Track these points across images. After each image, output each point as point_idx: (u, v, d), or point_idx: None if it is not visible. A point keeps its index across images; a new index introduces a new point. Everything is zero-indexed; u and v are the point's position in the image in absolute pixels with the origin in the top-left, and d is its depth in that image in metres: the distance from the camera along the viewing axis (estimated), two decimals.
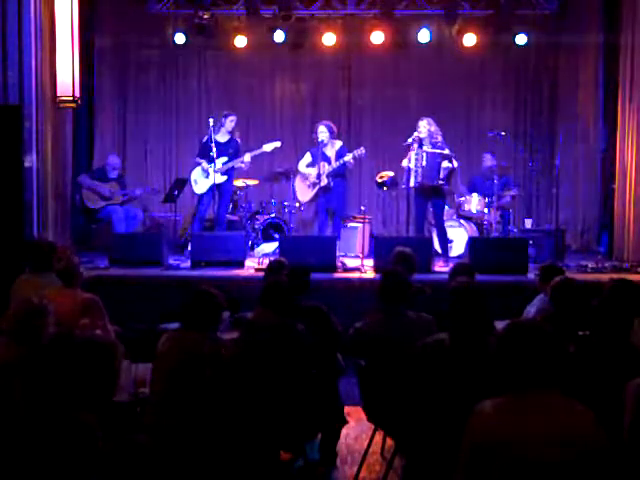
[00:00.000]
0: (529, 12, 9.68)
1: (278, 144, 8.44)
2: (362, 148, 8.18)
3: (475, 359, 3.25)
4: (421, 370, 3.40)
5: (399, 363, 3.71)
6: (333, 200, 8.25)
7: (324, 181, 8.14)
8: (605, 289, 3.81)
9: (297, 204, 8.75)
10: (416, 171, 7.68)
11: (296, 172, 8.49)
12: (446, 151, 7.70)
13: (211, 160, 8.17)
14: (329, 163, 8.15)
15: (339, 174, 8.21)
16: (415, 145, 7.73)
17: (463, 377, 3.24)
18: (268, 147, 8.41)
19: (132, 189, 9.08)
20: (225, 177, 8.40)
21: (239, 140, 8.58)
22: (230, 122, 8.37)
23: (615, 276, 4.45)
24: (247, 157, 8.35)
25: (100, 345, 2.61)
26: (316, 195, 8.29)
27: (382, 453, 4.50)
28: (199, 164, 8.41)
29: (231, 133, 8.43)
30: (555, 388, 2.41)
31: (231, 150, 8.38)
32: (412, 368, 3.46)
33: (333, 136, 8.26)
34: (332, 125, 8.33)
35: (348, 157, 8.10)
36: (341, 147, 8.28)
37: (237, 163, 8.38)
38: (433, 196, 7.83)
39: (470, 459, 2.41)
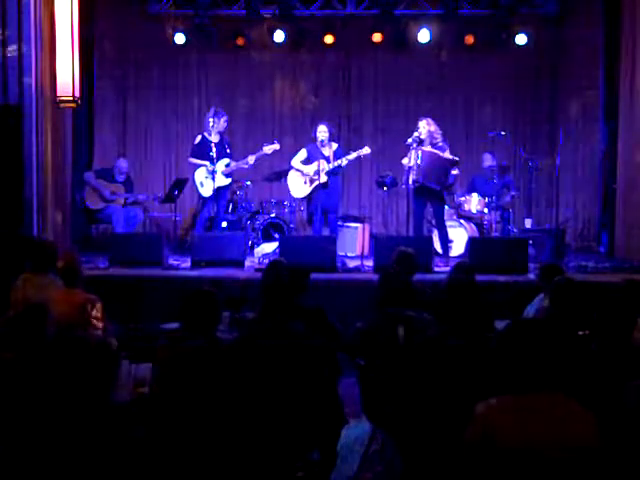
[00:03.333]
0: (529, 12, 9.68)
1: (277, 146, 8.41)
2: (367, 148, 8.17)
3: (474, 358, 3.25)
4: (419, 370, 3.39)
5: (399, 363, 3.71)
6: (329, 198, 8.20)
7: (323, 178, 8.11)
8: (618, 288, 3.81)
9: (290, 202, 8.73)
10: (415, 170, 7.69)
11: (289, 168, 8.47)
12: (447, 154, 7.69)
13: (212, 161, 8.15)
14: (328, 161, 8.14)
15: (335, 172, 8.22)
16: (415, 145, 7.73)
17: (462, 376, 3.23)
18: (268, 149, 8.37)
19: (137, 194, 9.10)
20: (229, 179, 8.42)
21: (228, 138, 8.63)
22: (224, 122, 8.29)
23: (614, 276, 4.46)
24: (251, 159, 8.35)
25: (98, 345, 2.61)
26: (312, 192, 8.27)
27: (382, 453, 4.49)
28: (199, 166, 8.27)
29: (222, 133, 8.35)
30: (556, 388, 2.41)
31: (229, 150, 8.37)
32: (411, 368, 3.46)
33: (331, 137, 8.29)
34: (331, 127, 8.37)
35: (353, 155, 8.11)
36: (337, 149, 8.30)
37: (241, 164, 8.38)
38: (432, 196, 7.82)
39: (471, 458, 2.41)
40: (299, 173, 8.35)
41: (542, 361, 2.40)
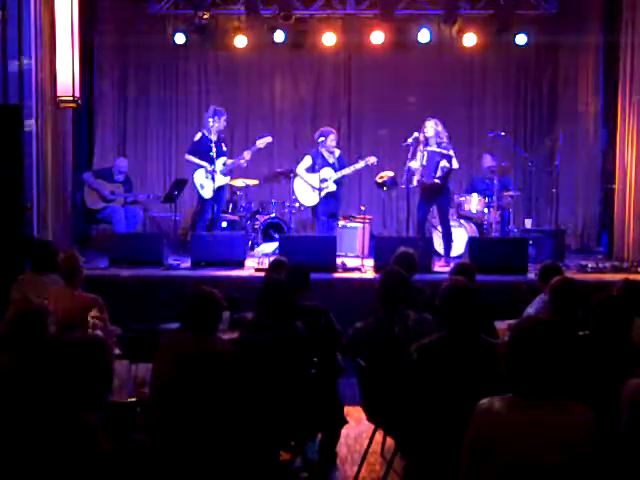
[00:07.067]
0: (529, 12, 9.68)
1: (269, 139, 8.39)
2: (373, 157, 8.36)
3: (472, 358, 3.26)
4: (419, 370, 3.39)
5: (399, 363, 3.71)
6: (335, 204, 8.45)
7: (332, 187, 8.29)
8: (616, 288, 3.81)
9: (297, 204, 8.76)
10: (420, 170, 7.73)
11: (295, 174, 8.48)
12: (445, 151, 7.71)
13: (212, 161, 8.12)
14: (334, 169, 8.28)
15: (341, 181, 8.43)
16: (421, 146, 7.77)
17: (461, 376, 3.23)
18: (261, 143, 8.36)
19: (136, 193, 9.11)
20: (228, 177, 8.42)
21: (224, 137, 8.63)
22: (224, 121, 8.29)
23: (614, 276, 4.46)
24: (247, 155, 8.31)
25: (93, 345, 2.62)
26: (321, 200, 8.34)
27: (382, 453, 4.50)
28: (197, 164, 8.25)
29: (220, 132, 8.32)
30: (559, 388, 2.40)
31: (225, 148, 8.37)
32: (410, 368, 3.46)
33: (336, 145, 8.51)
34: (337, 135, 8.59)
35: (361, 164, 8.32)
36: (340, 155, 8.50)
37: (239, 161, 8.36)
38: (438, 196, 7.84)
39: (472, 456, 2.41)
40: (304, 181, 8.41)
41: (547, 362, 2.39)
